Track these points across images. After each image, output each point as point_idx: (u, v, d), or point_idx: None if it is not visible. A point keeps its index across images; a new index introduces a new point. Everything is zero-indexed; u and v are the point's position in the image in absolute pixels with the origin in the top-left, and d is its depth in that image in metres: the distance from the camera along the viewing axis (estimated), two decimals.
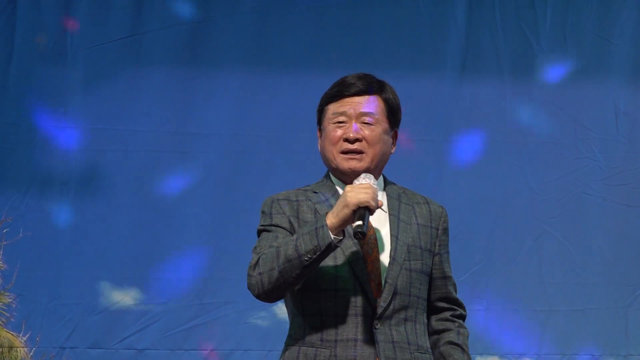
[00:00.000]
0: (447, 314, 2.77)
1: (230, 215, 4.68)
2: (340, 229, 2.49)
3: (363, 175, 2.59)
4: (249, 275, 2.59)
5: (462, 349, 2.70)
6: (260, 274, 2.53)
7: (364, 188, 2.43)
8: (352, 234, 2.49)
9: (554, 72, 4.78)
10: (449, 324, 2.76)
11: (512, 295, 4.68)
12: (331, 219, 2.44)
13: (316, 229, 2.45)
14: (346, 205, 2.38)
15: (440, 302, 2.75)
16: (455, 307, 2.78)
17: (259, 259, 2.58)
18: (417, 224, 2.73)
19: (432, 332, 2.77)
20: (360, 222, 2.38)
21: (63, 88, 4.74)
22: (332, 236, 2.43)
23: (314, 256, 2.46)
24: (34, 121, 4.69)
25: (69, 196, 4.65)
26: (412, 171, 4.47)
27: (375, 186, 2.53)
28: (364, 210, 2.37)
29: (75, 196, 4.65)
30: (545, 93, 4.80)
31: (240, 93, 4.73)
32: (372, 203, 2.42)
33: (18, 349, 4.47)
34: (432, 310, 2.76)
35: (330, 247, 2.45)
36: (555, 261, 4.71)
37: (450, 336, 2.71)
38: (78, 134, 4.66)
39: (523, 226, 4.79)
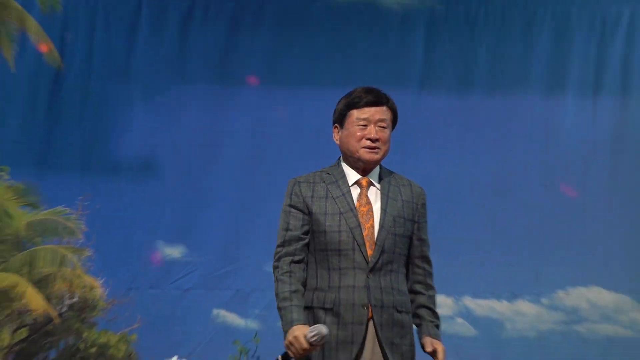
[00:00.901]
0: (420, 277, 3.07)
1: (251, 193, 5.22)
2: None
3: (318, 332, 2.82)
4: (274, 268, 2.95)
5: (432, 310, 3.04)
6: (276, 280, 2.93)
7: (296, 345, 2.80)
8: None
9: (490, 88, 5.34)
10: (421, 287, 3.06)
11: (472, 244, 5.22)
12: (295, 331, 2.81)
13: (285, 332, 2.85)
14: (290, 342, 2.77)
15: (417, 259, 3.03)
16: (427, 266, 3.05)
17: (280, 271, 2.95)
18: (402, 200, 2.99)
19: (410, 291, 3.06)
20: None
21: (127, 99, 5.29)
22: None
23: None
24: (108, 124, 5.26)
25: (133, 178, 5.21)
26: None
27: (312, 339, 2.77)
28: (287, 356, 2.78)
29: (138, 178, 5.19)
30: (485, 105, 5.34)
31: (258, 104, 5.31)
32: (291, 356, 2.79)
33: (97, 289, 5.23)
34: (411, 263, 3.06)
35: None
36: (490, 228, 5.27)
37: (422, 300, 3.04)
38: (139, 134, 5.28)
39: (481, 210, 5.28)
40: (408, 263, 3.03)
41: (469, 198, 5.32)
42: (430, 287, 3.04)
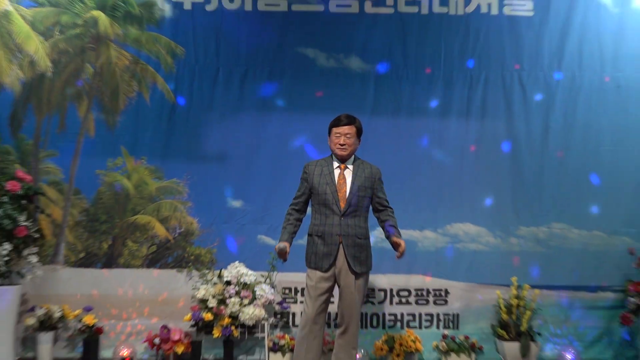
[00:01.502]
0: (388, 212, 4.33)
1: (279, 172, 6.65)
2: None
3: (279, 252, 3.85)
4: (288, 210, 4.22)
5: (396, 227, 4.31)
6: (285, 217, 4.28)
7: (277, 253, 3.88)
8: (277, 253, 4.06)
9: (410, 114, 6.75)
10: (388, 217, 4.30)
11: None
12: (279, 243, 3.93)
13: (279, 242, 3.98)
14: (276, 249, 3.91)
15: (383, 207, 4.34)
16: (389, 208, 4.27)
17: (287, 211, 4.21)
18: (364, 177, 4.22)
19: (380, 222, 4.25)
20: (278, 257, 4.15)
21: (210, 121, 6.69)
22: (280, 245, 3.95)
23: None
24: (200, 134, 6.72)
25: (213, 164, 6.66)
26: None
27: (279, 250, 3.81)
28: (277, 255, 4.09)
29: (216, 164, 6.58)
30: (407, 124, 6.70)
31: (281, 123, 6.70)
32: (279, 257, 4.06)
33: (194, 224, 6.66)
34: (380, 209, 4.25)
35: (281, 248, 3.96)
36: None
37: (390, 222, 4.31)
38: (216, 140, 6.68)
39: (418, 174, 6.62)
40: (376, 210, 4.15)
41: (398, 175, 6.63)
42: (393, 218, 4.32)
